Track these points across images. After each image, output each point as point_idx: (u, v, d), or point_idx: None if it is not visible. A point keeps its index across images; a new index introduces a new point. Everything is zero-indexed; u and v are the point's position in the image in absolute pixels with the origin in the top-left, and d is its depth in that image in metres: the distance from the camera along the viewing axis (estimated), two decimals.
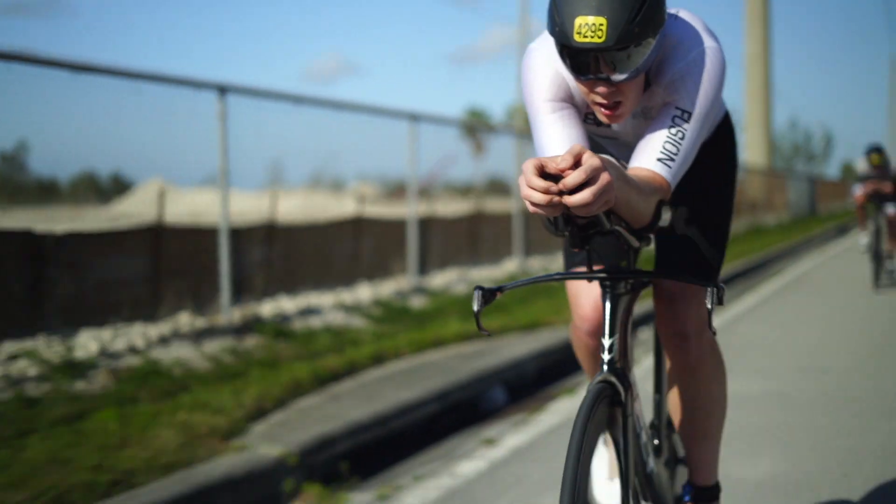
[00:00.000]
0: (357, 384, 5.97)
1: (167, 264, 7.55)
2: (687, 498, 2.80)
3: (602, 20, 2.03)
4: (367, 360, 6.48)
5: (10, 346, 5.98)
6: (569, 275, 2.42)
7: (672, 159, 2.23)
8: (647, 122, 2.38)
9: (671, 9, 2.36)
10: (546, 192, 1.85)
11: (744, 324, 8.51)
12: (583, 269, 2.59)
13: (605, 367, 2.31)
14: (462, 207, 13.99)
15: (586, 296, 2.65)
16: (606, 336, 2.33)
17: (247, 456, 4.42)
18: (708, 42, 2.29)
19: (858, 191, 12.04)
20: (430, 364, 6.62)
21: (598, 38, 2.03)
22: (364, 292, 9.73)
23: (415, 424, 5.59)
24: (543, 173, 1.87)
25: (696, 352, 2.61)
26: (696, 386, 2.66)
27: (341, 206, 13.68)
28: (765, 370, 6.16)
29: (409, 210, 10.83)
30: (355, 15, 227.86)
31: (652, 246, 2.70)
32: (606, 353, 2.32)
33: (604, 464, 2.70)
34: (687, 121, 2.25)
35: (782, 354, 6.82)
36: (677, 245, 2.66)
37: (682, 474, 2.93)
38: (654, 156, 2.23)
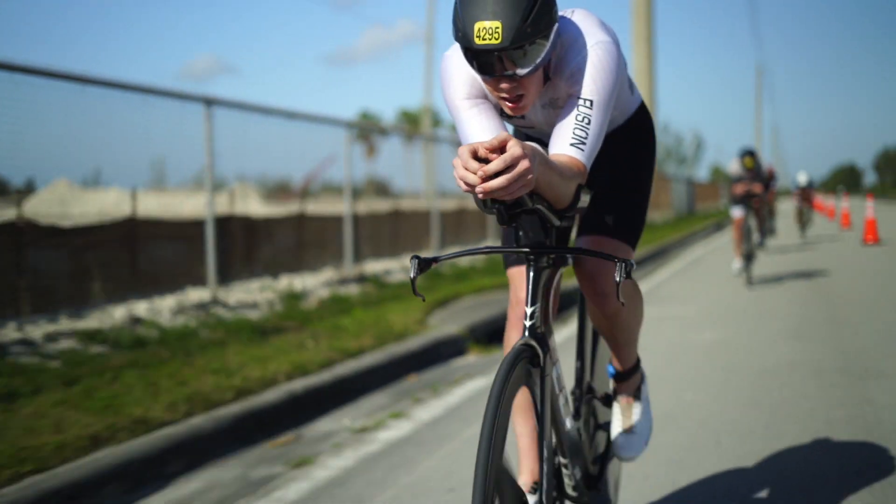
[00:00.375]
0: (462, 305, 9.69)
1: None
2: (611, 374, 3.17)
3: (497, 24, 2.26)
4: (460, 293, 10.26)
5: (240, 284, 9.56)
6: (495, 249, 2.56)
7: (583, 143, 2.44)
8: (556, 111, 2.62)
9: (567, 10, 2.59)
10: (477, 173, 2.08)
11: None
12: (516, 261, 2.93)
13: (527, 332, 2.48)
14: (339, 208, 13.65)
15: (523, 288, 2.77)
16: (528, 304, 2.50)
17: (438, 331, 8.19)
18: (601, 37, 2.51)
19: (737, 213, 12.41)
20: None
21: (495, 40, 2.26)
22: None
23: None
24: (476, 157, 2.11)
25: (611, 308, 2.85)
26: (614, 328, 2.93)
27: (236, 206, 12.92)
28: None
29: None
30: (231, 16, 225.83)
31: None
32: (528, 319, 2.49)
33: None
34: (591, 108, 2.46)
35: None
36: (597, 223, 2.89)
37: (602, 439, 3.22)
38: (567, 141, 2.45)
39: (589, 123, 2.45)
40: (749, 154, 12.75)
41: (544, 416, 2.52)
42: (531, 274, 2.52)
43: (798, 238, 21.26)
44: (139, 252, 8.77)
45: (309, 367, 6.11)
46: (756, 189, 12.24)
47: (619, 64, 2.52)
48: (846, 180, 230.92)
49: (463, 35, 2.31)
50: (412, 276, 2.42)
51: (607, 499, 3.22)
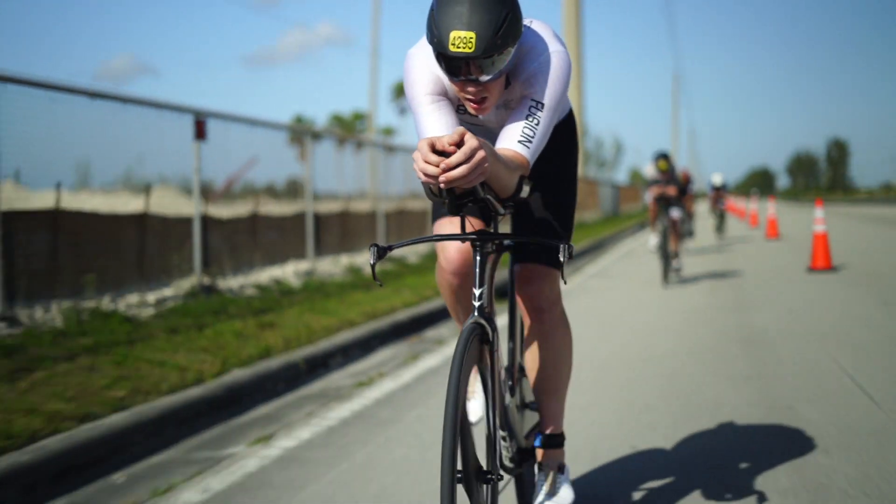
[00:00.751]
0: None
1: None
2: (538, 444, 3.21)
3: (472, 34, 2.43)
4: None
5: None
6: (446, 236, 2.72)
7: (530, 141, 2.66)
8: (508, 112, 2.82)
9: (526, 19, 2.77)
10: (437, 165, 2.26)
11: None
12: (447, 221, 3.13)
13: (476, 313, 2.66)
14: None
15: (451, 244, 3.02)
16: (476, 286, 2.69)
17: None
18: (555, 46, 2.73)
19: (650, 197, 13.04)
20: None
21: (469, 49, 2.44)
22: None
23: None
24: (434, 150, 2.29)
25: (549, 322, 3.06)
26: (549, 350, 3.09)
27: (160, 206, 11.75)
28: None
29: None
30: (146, 15, 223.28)
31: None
32: (477, 300, 2.68)
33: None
34: (541, 110, 2.68)
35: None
36: (533, 215, 3.11)
37: (530, 418, 3.34)
38: (515, 138, 2.66)
39: (538, 124, 2.66)
40: (663, 157, 12.99)
41: (494, 388, 2.72)
42: (478, 258, 2.69)
43: (714, 240, 21.84)
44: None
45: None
46: (670, 191, 12.54)
47: (569, 72, 2.73)
48: (760, 183, 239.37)
49: (438, 41, 2.47)
50: (371, 262, 2.59)
51: (531, 478, 3.37)
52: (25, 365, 5.57)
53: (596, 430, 4.63)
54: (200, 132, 9.39)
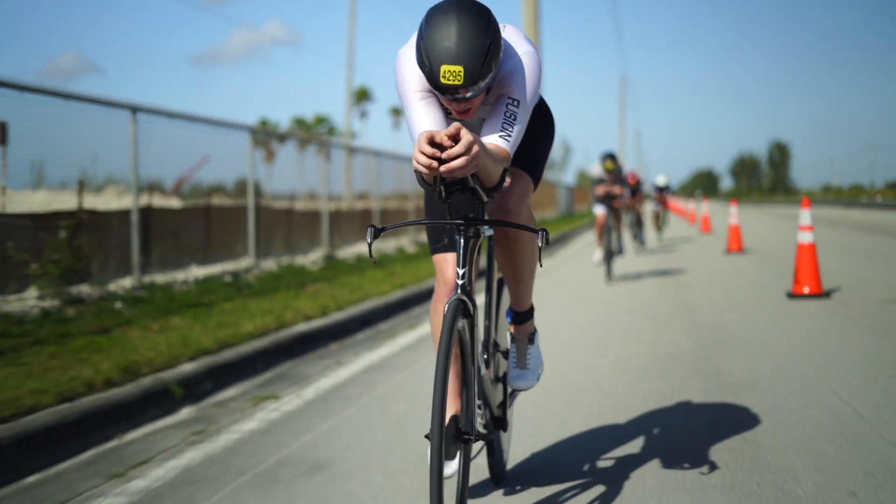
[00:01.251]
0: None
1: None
2: (510, 320, 3.57)
3: (460, 68, 2.65)
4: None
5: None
6: (434, 220, 3.03)
7: (510, 135, 2.90)
8: (487, 108, 3.03)
9: (500, 24, 2.95)
10: (434, 157, 2.55)
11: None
12: (444, 256, 3.28)
13: (459, 290, 2.91)
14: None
15: (451, 270, 3.21)
16: (460, 266, 2.92)
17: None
18: (527, 48, 2.97)
19: (600, 211, 13.09)
20: None
21: (458, 81, 2.66)
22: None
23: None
24: (432, 143, 2.55)
25: (526, 255, 3.38)
26: (517, 246, 3.36)
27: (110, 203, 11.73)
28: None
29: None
30: (91, 13, 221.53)
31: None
32: (460, 279, 2.91)
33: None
34: (517, 107, 2.91)
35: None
36: (510, 198, 3.29)
37: (501, 390, 3.64)
38: (496, 133, 2.89)
39: (515, 119, 2.89)
40: (610, 157, 13.15)
41: (474, 359, 3.05)
42: (461, 241, 2.93)
43: (656, 242, 21.68)
44: None
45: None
46: (616, 190, 12.95)
47: (540, 70, 2.95)
48: (705, 184, 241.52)
49: (429, 72, 2.70)
50: (368, 241, 2.84)
51: (500, 440, 3.70)
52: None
53: (555, 406, 4.98)
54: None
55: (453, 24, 2.67)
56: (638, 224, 18.51)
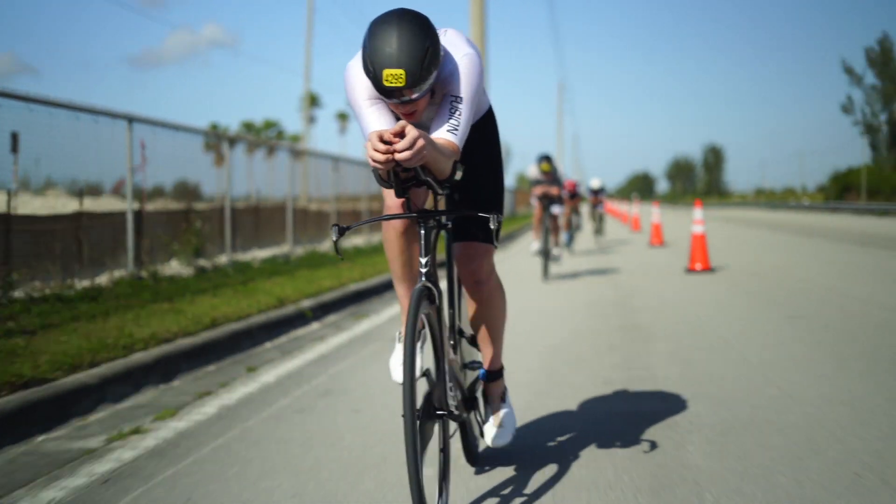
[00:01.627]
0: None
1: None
2: (483, 378, 3.80)
3: (401, 71, 2.86)
4: None
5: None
6: (394, 216, 3.24)
7: (456, 129, 3.12)
8: (434, 107, 3.24)
9: (441, 29, 3.22)
10: (385, 153, 2.78)
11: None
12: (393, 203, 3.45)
13: (424, 278, 3.16)
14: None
15: (394, 203, 3.44)
16: (422, 256, 3.18)
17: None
18: (467, 50, 3.18)
19: (537, 204, 13.36)
20: None
21: (400, 83, 2.88)
22: None
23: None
24: (382, 140, 2.78)
25: (487, 291, 3.59)
26: (489, 310, 3.63)
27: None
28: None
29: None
30: (22, 12, 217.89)
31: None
32: (424, 268, 3.17)
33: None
34: (461, 103, 3.13)
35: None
36: (469, 197, 3.58)
37: (469, 374, 3.88)
38: (444, 128, 3.11)
39: (460, 115, 3.12)
40: (545, 159, 13.44)
41: (443, 342, 3.28)
42: (422, 233, 3.18)
43: (594, 244, 21.99)
44: None
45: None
46: (553, 191, 13.22)
47: (481, 70, 3.20)
48: (641, 187, 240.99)
49: (374, 77, 2.91)
50: (334, 239, 3.09)
51: (472, 422, 3.89)
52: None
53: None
54: None
55: (394, 31, 2.87)
56: (575, 226, 18.93)
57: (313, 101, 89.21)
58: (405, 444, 2.82)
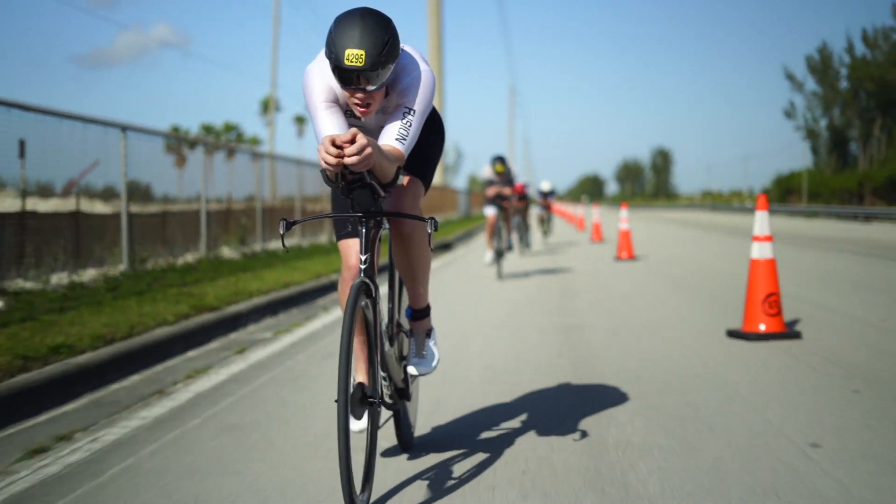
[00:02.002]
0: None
1: None
2: (409, 316, 3.94)
3: (362, 52, 3.05)
4: None
5: None
6: (339, 214, 3.44)
7: (405, 139, 3.32)
8: (386, 116, 3.46)
9: (401, 44, 3.38)
10: (336, 156, 2.98)
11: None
12: (348, 241, 3.61)
13: (362, 273, 3.33)
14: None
15: (354, 255, 3.55)
16: (363, 253, 3.35)
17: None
18: (423, 66, 3.40)
19: (490, 212, 13.67)
20: None
21: (360, 63, 3.05)
22: None
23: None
24: (334, 145, 2.98)
25: (410, 232, 3.67)
26: (413, 251, 3.72)
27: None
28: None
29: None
30: None
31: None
32: (362, 264, 3.34)
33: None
34: (412, 115, 3.34)
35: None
36: (404, 197, 3.71)
37: (405, 365, 3.98)
38: (393, 136, 3.32)
39: (410, 126, 3.34)
40: (499, 160, 13.87)
41: (377, 334, 3.46)
42: (363, 231, 3.35)
43: (541, 245, 22.44)
44: None
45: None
46: (506, 192, 13.61)
47: (433, 86, 3.40)
48: (591, 189, 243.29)
49: (335, 56, 3.08)
50: (281, 232, 3.29)
51: (407, 411, 4.13)
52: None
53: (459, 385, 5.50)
54: None
55: (357, 20, 3.12)
56: (524, 228, 19.36)
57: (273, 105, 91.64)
58: (337, 427, 2.98)
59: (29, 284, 8.93)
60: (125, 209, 11.00)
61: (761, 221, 7.14)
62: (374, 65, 3.08)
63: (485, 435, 4.36)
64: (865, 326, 7.58)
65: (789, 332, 6.96)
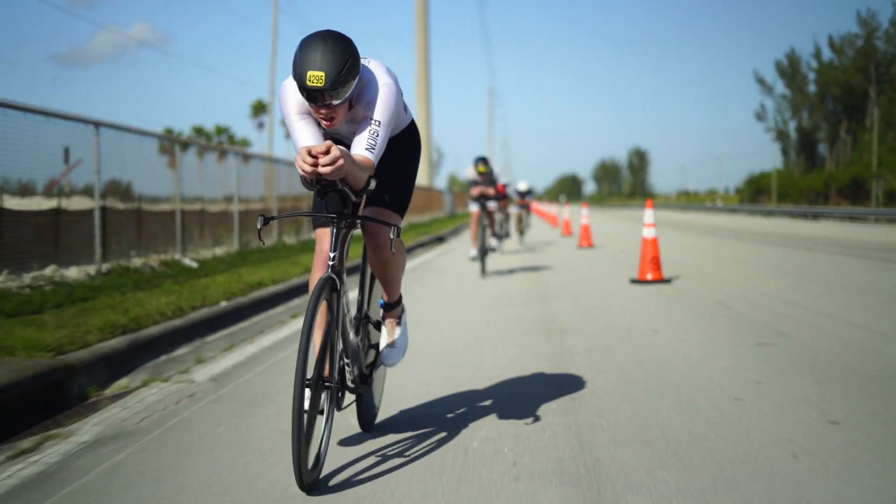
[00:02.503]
0: None
1: None
2: (381, 305, 4.24)
3: (322, 73, 3.28)
4: None
5: None
6: (314, 213, 3.70)
7: (374, 148, 3.53)
8: (355, 126, 3.68)
9: (364, 58, 3.64)
10: (312, 165, 3.25)
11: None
12: (322, 231, 3.87)
13: (330, 269, 3.58)
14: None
15: (327, 241, 3.82)
16: (332, 251, 3.61)
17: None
18: (386, 80, 3.61)
19: (474, 207, 13.80)
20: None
21: (320, 83, 3.29)
22: None
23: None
24: (310, 154, 3.24)
25: (387, 254, 3.94)
26: (389, 265, 4.01)
27: None
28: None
29: None
30: None
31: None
32: (331, 260, 3.59)
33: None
34: (379, 126, 3.55)
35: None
36: (379, 199, 3.99)
37: (372, 354, 4.24)
38: (363, 146, 3.53)
39: (377, 136, 3.55)
40: (482, 161, 13.97)
41: (340, 326, 3.65)
42: (334, 230, 3.60)
43: (518, 244, 22.38)
44: None
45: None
46: (489, 191, 13.75)
47: (398, 97, 3.65)
48: (569, 189, 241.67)
49: (299, 77, 3.32)
50: (259, 227, 3.51)
51: (371, 395, 4.35)
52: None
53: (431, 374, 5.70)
54: None
55: (319, 43, 3.35)
56: (505, 218, 19.59)
57: (262, 107, 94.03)
58: (292, 408, 3.22)
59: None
60: (99, 207, 10.69)
61: (649, 215, 11.92)
62: (334, 84, 3.33)
63: (445, 417, 4.60)
64: (720, 281, 11.66)
65: (665, 279, 11.41)
